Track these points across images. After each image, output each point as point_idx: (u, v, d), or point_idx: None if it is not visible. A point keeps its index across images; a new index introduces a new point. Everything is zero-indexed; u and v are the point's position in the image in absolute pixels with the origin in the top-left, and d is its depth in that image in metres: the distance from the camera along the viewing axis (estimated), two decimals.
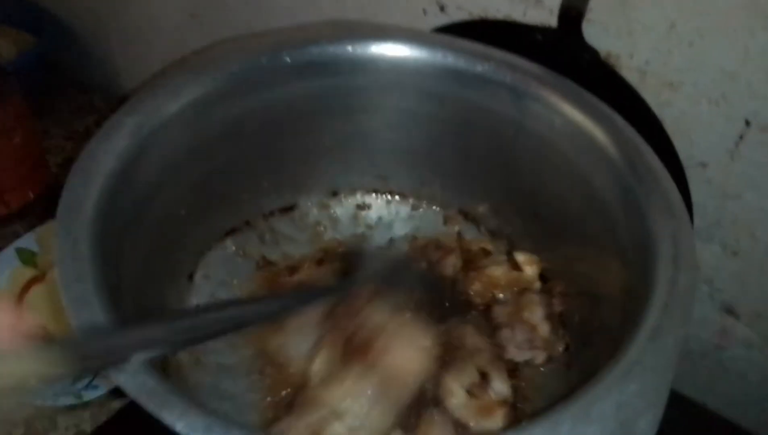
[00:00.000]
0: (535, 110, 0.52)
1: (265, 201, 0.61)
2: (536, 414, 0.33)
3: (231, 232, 0.59)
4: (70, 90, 0.97)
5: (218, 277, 0.57)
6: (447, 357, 0.50)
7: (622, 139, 0.48)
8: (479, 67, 0.54)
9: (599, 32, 0.54)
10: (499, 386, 0.49)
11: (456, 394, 0.48)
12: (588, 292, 0.52)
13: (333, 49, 0.54)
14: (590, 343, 0.50)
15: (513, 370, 0.52)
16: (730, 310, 0.62)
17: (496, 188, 0.60)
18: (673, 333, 0.36)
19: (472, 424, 0.47)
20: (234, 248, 0.59)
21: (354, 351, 0.46)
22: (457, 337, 0.51)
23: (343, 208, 0.64)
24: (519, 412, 0.50)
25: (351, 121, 0.59)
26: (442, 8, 0.63)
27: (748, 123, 0.52)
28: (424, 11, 0.64)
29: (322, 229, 0.62)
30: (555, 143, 0.52)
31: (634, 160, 0.46)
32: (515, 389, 0.51)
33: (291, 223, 0.62)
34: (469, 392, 0.48)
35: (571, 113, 0.51)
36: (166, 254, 0.52)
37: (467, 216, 0.63)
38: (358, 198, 0.64)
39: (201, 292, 0.56)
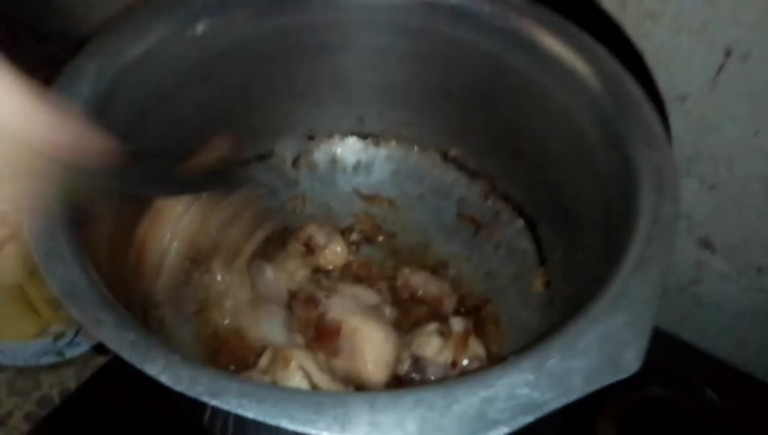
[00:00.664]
0: (514, 43, 0.51)
1: (240, 149, 0.59)
2: (523, 348, 0.33)
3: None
4: (27, 40, 0.92)
5: None
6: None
7: (604, 69, 0.47)
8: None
9: None
10: (455, 320, 0.50)
11: (431, 342, 0.49)
12: (570, 227, 0.52)
13: None
14: (572, 280, 0.50)
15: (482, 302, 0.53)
16: (706, 244, 0.62)
17: (475, 126, 0.59)
18: (657, 264, 0.36)
19: (459, 359, 0.48)
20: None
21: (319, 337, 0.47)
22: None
23: (320, 152, 0.62)
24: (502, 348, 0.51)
25: (324, 60, 0.57)
26: None
27: (728, 52, 0.51)
28: None
29: (299, 175, 0.61)
30: (534, 76, 0.51)
31: (615, 91, 0.45)
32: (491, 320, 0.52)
33: (268, 170, 0.60)
34: (442, 334, 0.49)
35: (550, 44, 0.49)
36: (138, 210, 0.50)
37: (446, 156, 0.62)
38: (336, 141, 0.62)
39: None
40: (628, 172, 0.42)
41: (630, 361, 0.32)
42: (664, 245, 0.36)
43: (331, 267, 0.57)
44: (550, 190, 0.54)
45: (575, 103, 0.48)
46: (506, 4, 0.51)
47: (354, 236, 0.61)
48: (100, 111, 0.43)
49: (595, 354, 0.32)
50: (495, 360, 0.49)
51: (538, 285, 0.53)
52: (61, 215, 0.37)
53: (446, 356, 0.48)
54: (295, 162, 0.61)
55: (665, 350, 0.63)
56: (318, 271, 0.57)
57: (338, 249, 0.57)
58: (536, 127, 0.53)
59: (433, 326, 0.50)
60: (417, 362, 0.49)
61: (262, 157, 0.60)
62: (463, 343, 0.49)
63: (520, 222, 0.57)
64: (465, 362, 0.48)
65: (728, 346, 0.67)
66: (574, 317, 0.34)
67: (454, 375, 0.48)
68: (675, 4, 0.51)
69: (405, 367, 0.48)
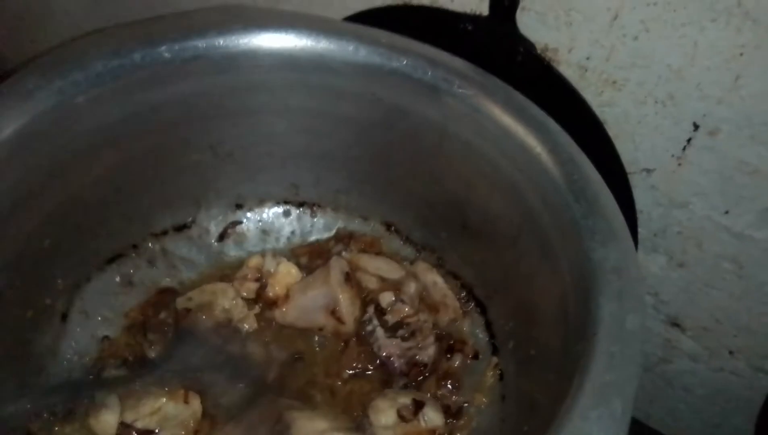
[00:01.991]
0: (460, 112, 0.45)
1: (154, 219, 0.52)
2: None
3: (114, 258, 0.50)
4: None
5: (99, 312, 0.48)
6: None
7: (557, 148, 0.42)
8: (395, 63, 0.46)
9: (535, 22, 0.48)
10: (432, 415, 0.44)
11: (386, 413, 0.44)
12: (523, 316, 0.46)
13: (222, 41, 0.45)
14: (527, 378, 0.45)
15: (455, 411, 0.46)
16: (675, 323, 0.57)
17: (420, 197, 0.53)
18: (622, 394, 0.30)
19: None
20: (118, 278, 0.50)
21: None
22: None
23: (249, 222, 0.56)
24: None
25: (253, 123, 0.51)
26: None
27: (696, 126, 0.46)
28: None
29: (224, 248, 0.54)
30: (483, 150, 0.46)
31: (570, 173, 0.40)
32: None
33: (188, 242, 0.53)
34: (400, 415, 0.43)
35: (499, 117, 0.44)
36: (27, 297, 0.43)
37: (390, 227, 0.56)
38: (267, 210, 0.56)
39: (79, 333, 0.47)
40: (586, 270, 0.36)
41: None
42: (629, 367, 0.31)
43: (284, 292, 0.51)
44: (502, 270, 0.48)
45: (527, 182, 0.43)
46: (451, 70, 0.45)
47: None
48: None
49: None
50: None
51: (490, 376, 0.47)
52: None
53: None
54: (222, 235, 0.54)
55: None
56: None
57: (291, 270, 0.51)
58: (486, 202, 0.48)
59: (403, 400, 0.44)
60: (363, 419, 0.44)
61: (181, 228, 0.53)
62: None
63: (470, 303, 0.52)
64: None
65: (699, 430, 0.62)
66: None
67: None
68: (639, 73, 0.46)
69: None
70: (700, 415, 0.62)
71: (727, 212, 0.49)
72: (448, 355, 0.49)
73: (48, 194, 0.43)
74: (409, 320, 0.49)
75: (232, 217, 0.55)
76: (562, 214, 0.40)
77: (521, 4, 0.47)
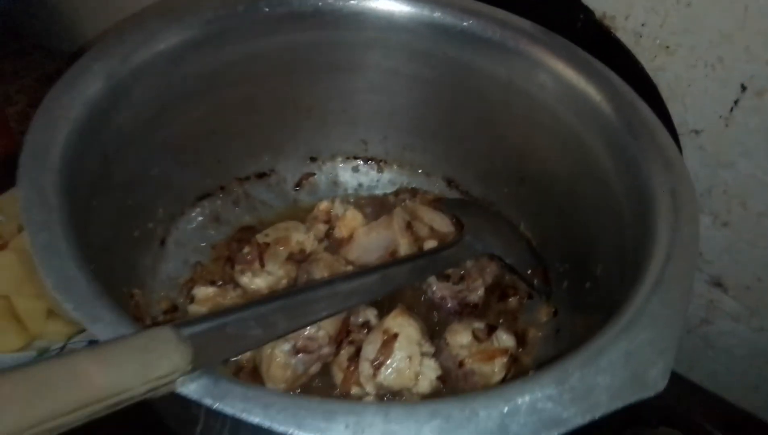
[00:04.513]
0: (525, 68, 0.50)
1: (240, 165, 0.57)
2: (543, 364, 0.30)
3: (204, 196, 0.55)
4: (35, 56, 0.92)
5: (191, 242, 0.54)
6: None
7: (617, 95, 0.46)
8: (466, 23, 0.51)
9: None
10: (505, 337, 0.47)
11: (462, 334, 0.47)
12: (579, 256, 0.50)
13: (315, 0, 0.51)
14: (581, 310, 0.48)
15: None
16: (717, 283, 0.60)
17: (482, 154, 0.57)
18: (680, 283, 0.34)
19: (468, 362, 0.45)
20: (208, 213, 0.55)
21: None
22: None
23: (322, 173, 0.61)
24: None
25: (332, 79, 0.56)
26: None
27: (743, 87, 0.50)
28: None
29: (299, 195, 0.59)
30: (546, 102, 0.50)
31: (629, 117, 0.45)
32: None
33: (267, 188, 0.58)
34: (475, 336, 0.47)
35: (562, 70, 0.49)
36: (136, 217, 0.49)
37: (451, 183, 0.60)
38: (339, 163, 0.61)
39: (174, 258, 0.52)
40: (644, 196, 0.40)
41: (656, 379, 0.29)
42: (685, 263, 0.34)
43: (349, 234, 0.55)
44: (558, 217, 0.52)
45: (587, 128, 0.47)
46: (518, 29, 0.50)
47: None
48: (103, 113, 0.42)
49: (619, 370, 0.29)
50: None
51: (543, 314, 0.51)
52: (59, 210, 0.35)
53: (464, 354, 0.46)
54: (298, 184, 0.59)
55: (675, 391, 0.61)
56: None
57: (357, 215, 0.55)
58: (545, 153, 0.52)
59: (477, 324, 0.48)
60: (440, 342, 0.47)
61: (262, 175, 0.58)
62: (490, 357, 0.46)
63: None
64: (473, 368, 0.46)
65: (739, 390, 0.64)
66: (596, 334, 0.31)
67: (456, 374, 0.46)
68: (691, 38, 0.50)
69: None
70: (740, 378, 0.64)
71: None
72: (503, 299, 0.53)
73: (158, 128, 0.48)
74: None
75: (306, 169, 0.60)
76: (620, 152, 0.44)
77: None
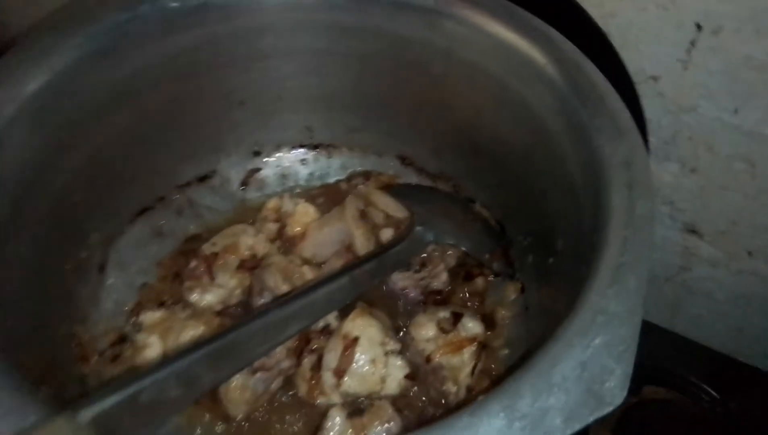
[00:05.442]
0: (463, 35, 0.46)
1: (178, 171, 0.54)
2: (496, 381, 0.28)
3: (142, 211, 0.52)
4: None
5: (134, 263, 0.50)
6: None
7: (561, 57, 0.42)
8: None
9: None
10: (471, 324, 0.45)
11: (427, 326, 0.45)
12: (540, 229, 0.47)
13: None
14: (547, 286, 0.46)
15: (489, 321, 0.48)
16: (692, 230, 0.58)
17: (432, 127, 0.54)
18: (636, 271, 0.31)
19: (436, 357, 0.43)
20: (149, 229, 0.52)
21: None
22: None
23: (268, 168, 0.57)
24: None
25: (261, 68, 0.52)
26: None
27: (699, 27, 0.47)
28: None
29: (246, 194, 0.56)
30: (489, 69, 0.46)
31: (576, 80, 0.41)
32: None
33: (211, 191, 0.55)
34: (440, 327, 0.45)
35: (502, 33, 0.45)
36: (63, 250, 0.45)
37: (405, 160, 0.57)
38: (284, 155, 0.58)
39: (117, 283, 0.49)
40: (596, 167, 0.37)
41: (613, 391, 0.27)
42: (641, 248, 0.32)
43: (302, 230, 0.52)
44: (517, 189, 0.49)
45: (534, 94, 0.44)
46: None
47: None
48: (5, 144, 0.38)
49: (572, 386, 0.27)
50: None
51: (511, 292, 0.49)
52: None
53: (430, 348, 0.44)
54: (244, 182, 0.56)
55: (657, 346, 0.60)
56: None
57: (309, 209, 0.53)
58: (496, 122, 0.49)
59: (442, 314, 0.45)
60: (406, 337, 0.46)
61: (204, 178, 0.55)
62: (457, 348, 0.44)
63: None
64: (442, 362, 0.44)
65: (723, 335, 0.63)
66: (546, 343, 0.29)
67: (425, 370, 0.44)
68: None
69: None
70: (723, 321, 0.63)
71: (736, 111, 0.49)
72: (468, 281, 0.51)
73: (74, 150, 0.45)
74: None
75: (251, 165, 0.57)
76: (570, 119, 0.41)
77: None
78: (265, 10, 0.48)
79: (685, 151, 0.53)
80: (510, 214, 0.51)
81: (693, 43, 0.48)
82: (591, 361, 0.28)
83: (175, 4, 0.46)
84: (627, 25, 0.49)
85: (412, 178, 0.57)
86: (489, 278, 0.50)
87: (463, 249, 0.48)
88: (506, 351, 0.46)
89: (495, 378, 0.45)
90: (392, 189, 0.53)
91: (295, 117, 0.56)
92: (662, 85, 0.51)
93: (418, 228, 0.47)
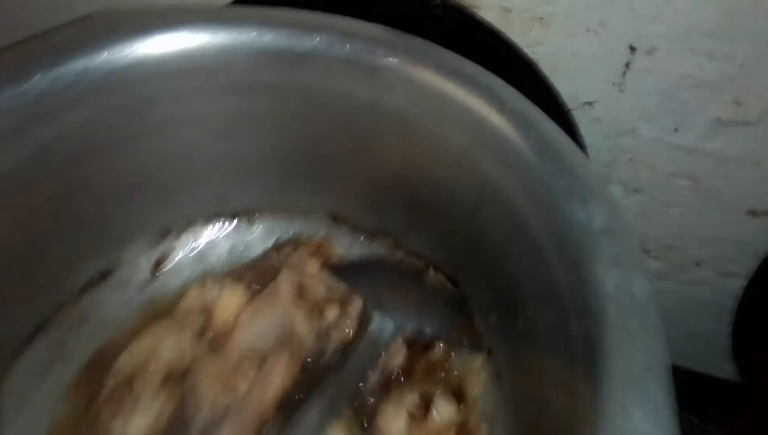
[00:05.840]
0: (389, 84, 0.41)
1: (76, 271, 0.46)
2: None
3: (38, 328, 0.43)
4: None
5: (36, 393, 0.42)
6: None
7: (505, 104, 0.38)
8: (307, 42, 0.41)
9: None
10: (444, 406, 0.41)
11: (395, 417, 0.40)
12: (501, 285, 0.44)
13: (104, 57, 0.39)
14: (518, 348, 0.42)
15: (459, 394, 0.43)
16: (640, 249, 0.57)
17: (362, 181, 0.49)
18: (658, 377, 0.27)
19: None
20: (50, 346, 0.44)
21: None
22: None
23: (181, 248, 0.50)
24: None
25: (160, 142, 0.44)
26: None
27: (632, 49, 0.44)
28: None
29: (160, 283, 0.49)
30: (421, 120, 0.42)
31: (526, 130, 0.37)
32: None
33: (117, 288, 0.47)
34: (411, 416, 0.40)
35: (433, 81, 0.40)
36: None
37: (337, 218, 0.52)
38: (198, 230, 0.50)
39: (17, 423, 0.41)
40: (570, 235, 0.33)
41: None
42: (654, 343, 0.28)
43: (232, 320, 0.46)
44: (467, 242, 0.45)
45: (478, 147, 0.39)
46: (369, 39, 0.41)
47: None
48: None
49: None
50: None
51: (477, 361, 0.45)
52: None
53: None
54: (155, 269, 0.49)
55: None
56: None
57: (237, 293, 0.46)
58: (434, 174, 0.44)
59: (410, 400, 0.40)
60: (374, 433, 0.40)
61: (106, 275, 0.47)
62: None
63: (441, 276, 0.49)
64: None
65: (677, 343, 0.63)
66: None
67: None
68: (565, 4, 0.43)
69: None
70: (676, 327, 0.62)
71: (676, 130, 0.47)
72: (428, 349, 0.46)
73: None
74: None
75: (161, 249, 0.49)
76: (526, 176, 0.37)
77: None
78: (154, 79, 0.41)
79: (627, 173, 0.51)
80: (462, 268, 0.47)
81: (627, 66, 0.45)
82: None
83: (43, 86, 0.38)
84: (556, 52, 0.46)
85: (345, 237, 0.51)
86: (450, 346, 0.46)
87: (429, 333, 0.43)
88: (484, 426, 0.42)
89: None
90: (330, 271, 0.47)
91: (206, 187, 0.49)
92: (598, 110, 0.48)
93: (375, 318, 0.42)
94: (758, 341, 0.54)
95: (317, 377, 0.43)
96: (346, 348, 0.42)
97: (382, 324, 0.42)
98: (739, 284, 0.54)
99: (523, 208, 0.37)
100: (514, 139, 0.37)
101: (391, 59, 0.40)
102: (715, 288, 0.57)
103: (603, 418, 0.26)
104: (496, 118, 0.38)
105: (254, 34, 0.41)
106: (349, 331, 0.44)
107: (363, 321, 0.43)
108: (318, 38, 0.41)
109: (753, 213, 0.49)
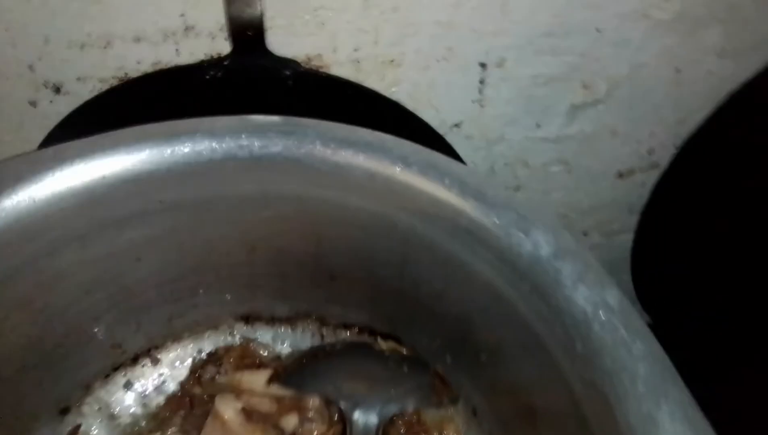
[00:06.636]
0: (280, 171, 0.38)
1: None
2: None
3: None
4: None
5: None
6: None
7: (409, 161, 0.37)
8: (258, 148, 0.37)
9: (286, 37, 0.42)
10: None
11: None
12: (448, 329, 0.43)
13: None
14: (486, 380, 0.42)
15: None
16: None
17: (266, 272, 0.45)
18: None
19: None
20: None
21: None
22: None
23: (87, 418, 0.43)
24: None
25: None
26: (57, 89, 0.43)
27: (483, 65, 0.45)
28: (33, 103, 0.43)
29: None
30: (325, 199, 0.39)
31: (441, 180, 0.36)
32: None
33: None
34: None
35: (326, 156, 0.38)
36: None
37: (248, 318, 0.48)
38: (100, 392, 0.44)
39: None
40: (517, 266, 0.33)
41: None
42: (652, 349, 0.28)
43: None
44: (400, 299, 0.44)
45: (389, 206, 0.38)
46: (250, 132, 0.37)
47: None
48: None
49: None
50: None
51: (448, 407, 0.44)
52: None
53: None
54: None
55: None
56: None
57: None
58: (348, 246, 0.42)
59: None
60: None
61: None
62: None
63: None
64: None
65: None
66: None
67: None
68: (412, 42, 0.43)
69: None
70: None
71: (539, 126, 0.50)
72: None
73: None
74: None
75: (65, 428, 0.42)
76: (454, 222, 0.35)
77: (266, 26, 0.41)
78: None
79: (506, 176, 0.53)
80: (401, 323, 0.45)
81: (482, 82, 0.46)
82: None
83: None
84: (414, 88, 0.46)
85: (265, 333, 0.48)
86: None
87: (413, 407, 0.41)
88: None
89: None
90: (276, 380, 0.43)
91: (92, 345, 0.42)
92: (466, 128, 0.49)
93: (357, 416, 0.38)
94: (657, 284, 0.59)
95: None
96: None
97: (366, 420, 0.39)
98: (625, 239, 0.59)
99: (458, 252, 0.36)
100: (430, 190, 0.36)
101: (276, 147, 0.38)
102: (607, 250, 0.61)
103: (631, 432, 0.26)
104: (403, 175, 0.37)
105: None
106: (324, 428, 0.40)
107: (332, 407, 0.40)
108: (223, 142, 0.37)
109: (620, 174, 0.54)
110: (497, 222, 0.34)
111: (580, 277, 0.31)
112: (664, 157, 0.53)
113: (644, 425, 0.26)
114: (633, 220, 0.57)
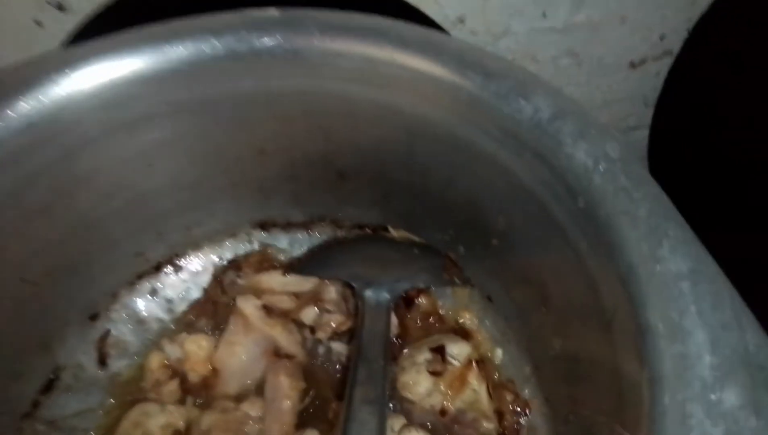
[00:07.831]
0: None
1: (13, 397, 0.39)
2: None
3: None
4: None
5: None
6: None
7: (406, 41, 0.37)
8: (258, 42, 0.37)
9: None
10: (457, 349, 0.40)
11: (418, 381, 0.39)
12: (462, 222, 0.43)
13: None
14: (500, 263, 0.42)
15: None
16: None
17: (281, 177, 0.46)
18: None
19: (449, 405, 0.38)
20: None
21: None
22: None
23: (117, 324, 0.45)
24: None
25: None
26: (60, 6, 0.43)
27: None
28: (38, 23, 0.44)
29: (112, 368, 0.43)
30: (329, 90, 0.39)
31: (437, 57, 0.36)
32: None
33: (69, 394, 0.41)
34: (432, 372, 0.39)
35: (323, 44, 0.38)
36: None
37: (265, 225, 0.49)
38: (126, 299, 0.45)
39: None
40: (518, 133, 0.33)
41: None
42: (654, 191, 0.28)
43: (208, 368, 0.42)
44: (409, 192, 0.44)
45: (391, 92, 0.38)
46: (249, 27, 0.37)
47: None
48: None
49: None
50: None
51: (462, 293, 0.44)
52: None
53: (437, 400, 0.39)
54: (101, 359, 0.43)
55: None
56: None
57: (200, 342, 0.43)
58: (355, 141, 0.42)
59: (423, 357, 0.39)
60: (403, 404, 0.39)
61: (51, 384, 0.41)
62: (459, 382, 0.39)
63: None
64: (458, 407, 0.38)
65: None
66: None
67: (445, 425, 0.38)
68: None
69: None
70: None
71: (544, 15, 0.49)
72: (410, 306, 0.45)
73: None
74: (344, 327, 0.43)
75: (96, 334, 0.44)
76: (455, 98, 0.35)
77: None
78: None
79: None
80: (413, 217, 0.46)
81: None
82: None
83: None
84: None
85: (282, 239, 0.49)
86: (430, 292, 0.45)
87: (423, 286, 0.42)
88: (499, 351, 0.42)
89: (511, 386, 0.40)
90: (292, 269, 0.44)
91: (116, 253, 0.44)
92: (470, 22, 0.48)
93: (368, 293, 0.39)
94: (674, 181, 0.58)
95: (324, 378, 0.41)
96: (353, 332, 0.40)
97: (377, 297, 0.40)
98: (641, 135, 0.58)
99: (463, 133, 0.36)
100: (428, 69, 0.36)
101: (275, 39, 0.38)
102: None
103: (632, 272, 0.26)
104: (401, 57, 0.36)
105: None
106: (342, 318, 0.41)
107: (349, 300, 0.41)
108: (222, 39, 0.37)
109: (632, 65, 0.53)
110: (497, 91, 0.33)
111: (581, 134, 0.31)
112: (677, 42, 0.51)
113: (645, 263, 0.26)
114: (648, 114, 0.56)
